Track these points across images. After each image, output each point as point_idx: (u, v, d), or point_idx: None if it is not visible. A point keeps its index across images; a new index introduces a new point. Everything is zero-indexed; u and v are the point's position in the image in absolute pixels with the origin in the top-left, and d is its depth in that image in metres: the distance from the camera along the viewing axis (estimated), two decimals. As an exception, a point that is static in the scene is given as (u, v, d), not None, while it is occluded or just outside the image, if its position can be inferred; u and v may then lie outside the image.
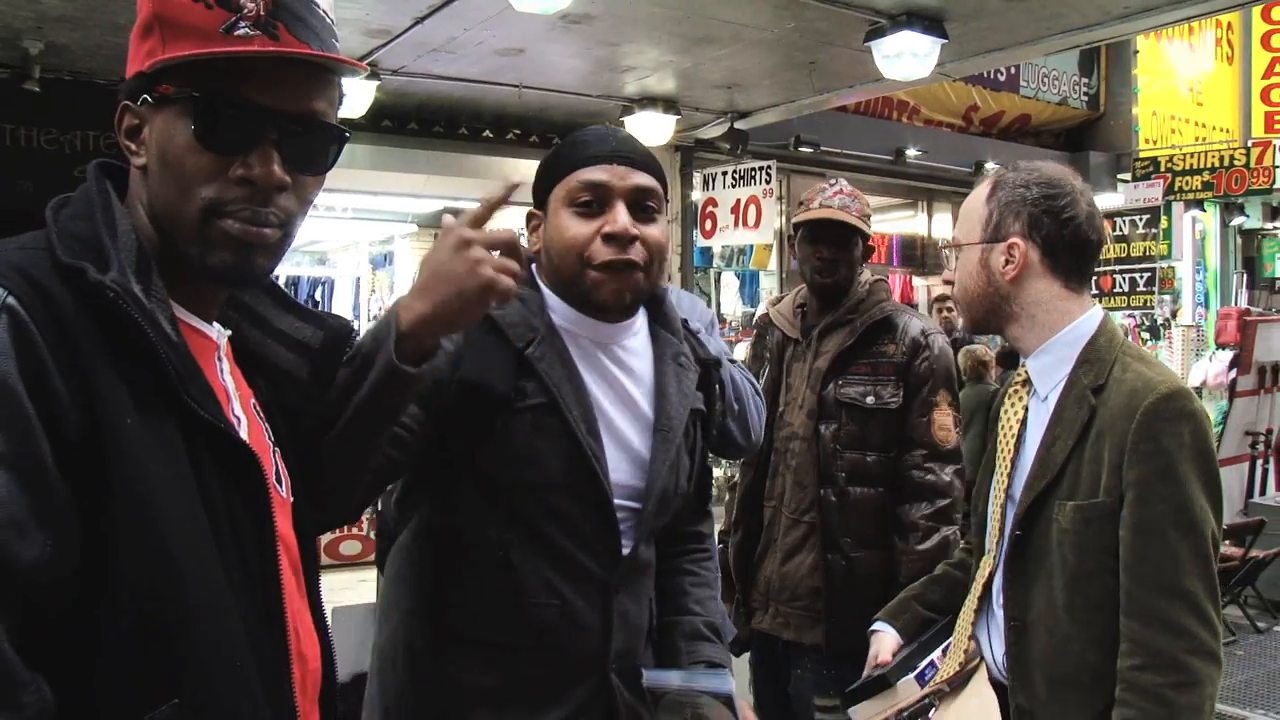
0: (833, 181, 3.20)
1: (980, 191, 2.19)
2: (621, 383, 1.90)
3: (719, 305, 12.85)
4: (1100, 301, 13.85)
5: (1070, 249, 2.10)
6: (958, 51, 7.68)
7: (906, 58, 7.33)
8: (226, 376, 1.26)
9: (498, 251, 1.48)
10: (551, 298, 1.88)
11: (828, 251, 3.05)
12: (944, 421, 3.00)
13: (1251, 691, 6.17)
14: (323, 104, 1.28)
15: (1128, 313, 15.17)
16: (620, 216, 1.81)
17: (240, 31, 1.18)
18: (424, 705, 1.83)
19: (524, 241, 1.88)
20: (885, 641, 2.38)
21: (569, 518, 1.79)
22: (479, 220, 1.50)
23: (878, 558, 2.99)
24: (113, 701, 1.04)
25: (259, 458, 1.22)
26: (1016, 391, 2.20)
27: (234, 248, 1.20)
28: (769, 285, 12.85)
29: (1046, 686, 2.00)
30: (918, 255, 14.84)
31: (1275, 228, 18.73)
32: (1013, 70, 14.08)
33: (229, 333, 1.29)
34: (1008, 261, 2.09)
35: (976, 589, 2.17)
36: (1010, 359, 12.27)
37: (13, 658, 0.97)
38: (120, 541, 1.05)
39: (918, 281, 14.90)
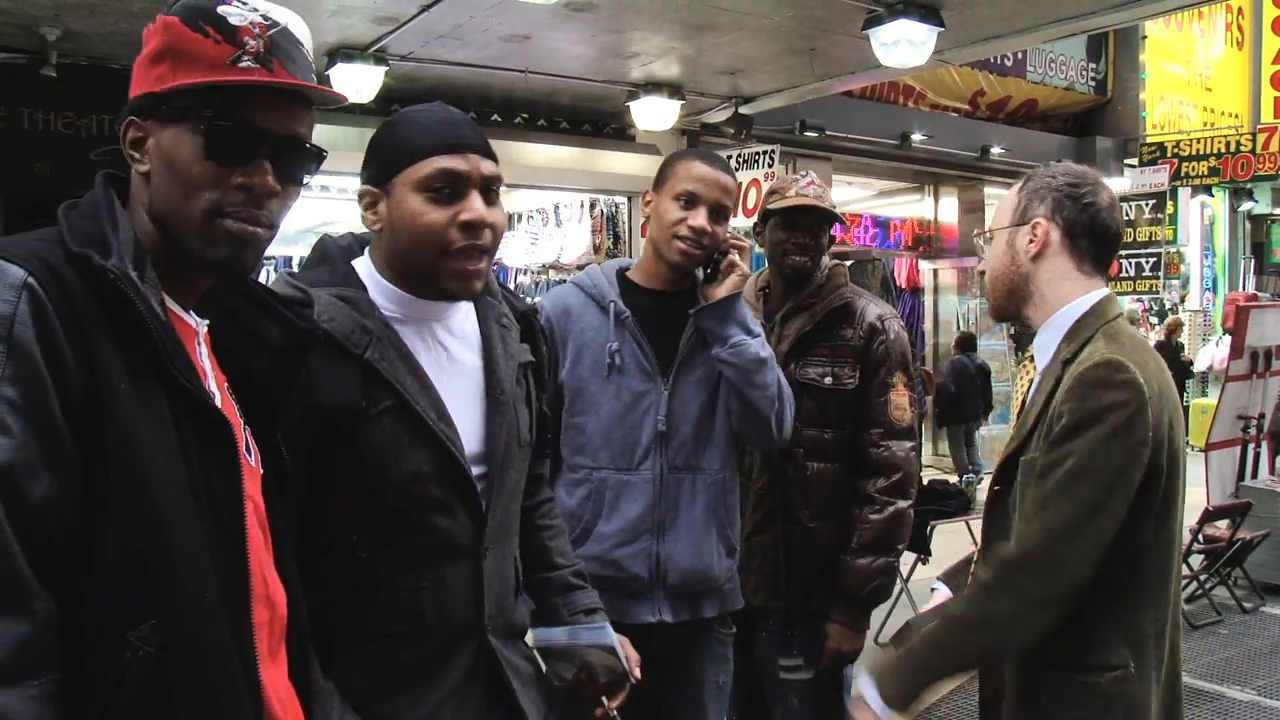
0: (804, 174, 3.35)
1: (1014, 188, 2.37)
2: (453, 356, 1.96)
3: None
4: (1106, 285, 13.92)
5: (1089, 232, 2.25)
6: (955, 39, 7.78)
7: (903, 45, 7.44)
8: (204, 359, 1.45)
9: None
10: (383, 286, 1.90)
11: (803, 237, 3.22)
12: (899, 401, 3.17)
13: (1231, 669, 6.34)
14: (305, 129, 1.48)
15: (1134, 297, 15.29)
16: (477, 205, 1.84)
17: (244, 64, 1.39)
18: None
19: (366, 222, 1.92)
20: (937, 598, 2.62)
21: (437, 500, 1.85)
22: None
23: (833, 528, 3.16)
24: (100, 620, 1.24)
25: (230, 423, 1.41)
26: (1024, 366, 2.43)
27: (230, 243, 1.41)
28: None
29: None
30: (925, 239, 14.92)
31: (1284, 213, 18.76)
32: (1019, 55, 14.12)
33: (207, 322, 1.48)
34: (1030, 240, 2.26)
35: None
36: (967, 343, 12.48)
37: (28, 573, 1.17)
38: (112, 488, 1.25)
39: (924, 265, 15.00)
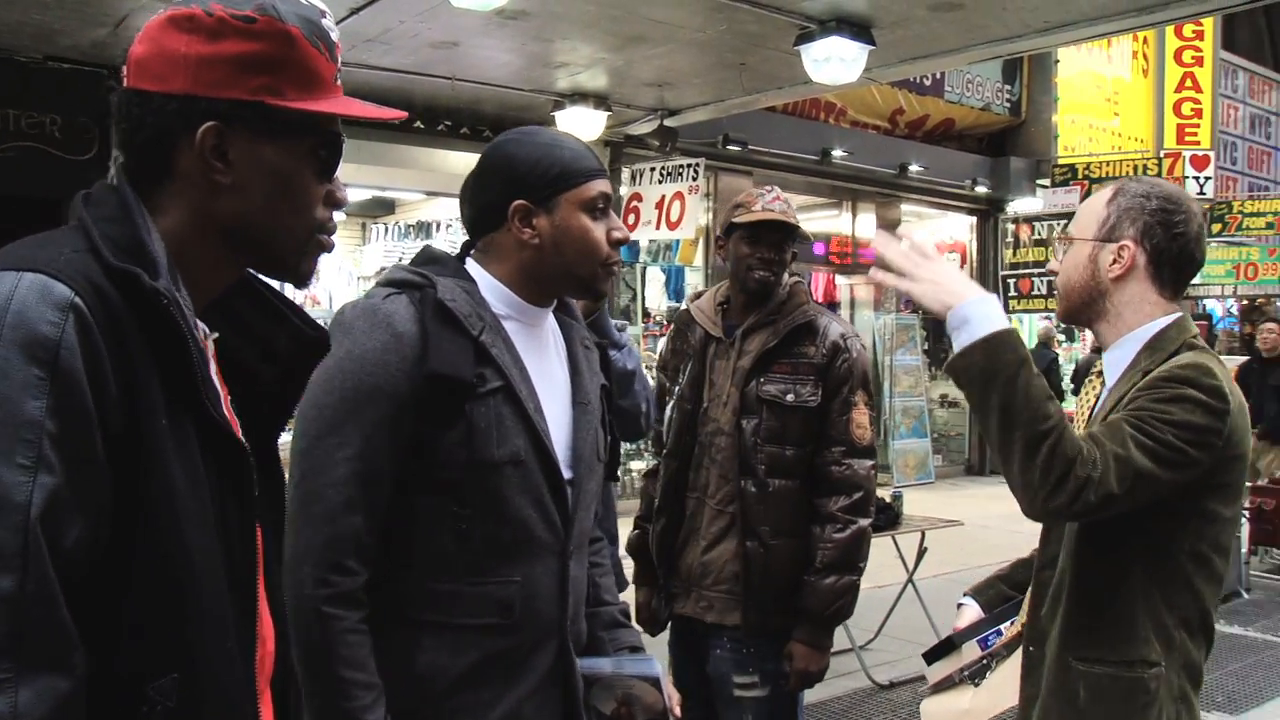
0: (769, 188, 3.31)
1: (1102, 195, 2.31)
2: (546, 360, 2.06)
3: (644, 300, 12.95)
4: (1019, 303, 14.20)
5: (1174, 262, 2.23)
6: (884, 58, 7.87)
7: (835, 62, 7.50)
8: (214, 377, 1.33)
9: None
10: (494, 287, 2.01)
11: (768, 252, 3.19)
12: (861, 420, 3.15)
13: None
14: None
15: (1044, 314, 15.61)
16: (622, 224, 2.08)
17: (338, 81, 1.34)
18: (399, 695, 1.87)
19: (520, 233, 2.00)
20: (966, 613, 2.58)
21: (530, 489, 1.92)
22: None
23: (793, 545, 3.13)
24: (121, 669, 1.14)
25: (251, 458, 1.31)
26: (1091, 382, 2.39)
27: (318, 255, 1.38)
28: (694, 280, 13.00)
29: (1060, 621, 2.19)
30: (842, 254, 15.08)
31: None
32: (938, 75, 14.37)
33: (216, 334, 1.37)
34: (1115, 261, 2.22)
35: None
36: None
37: (71, 624, 1.07)
38: (145, 533, 1.15)
39: (840, 280, 15.16)
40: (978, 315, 2.04)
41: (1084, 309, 2.30)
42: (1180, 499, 2.07)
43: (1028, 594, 2.39)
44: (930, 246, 2.14)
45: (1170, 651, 2.11)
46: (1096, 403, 2.33)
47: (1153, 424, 2.01)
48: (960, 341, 2.04)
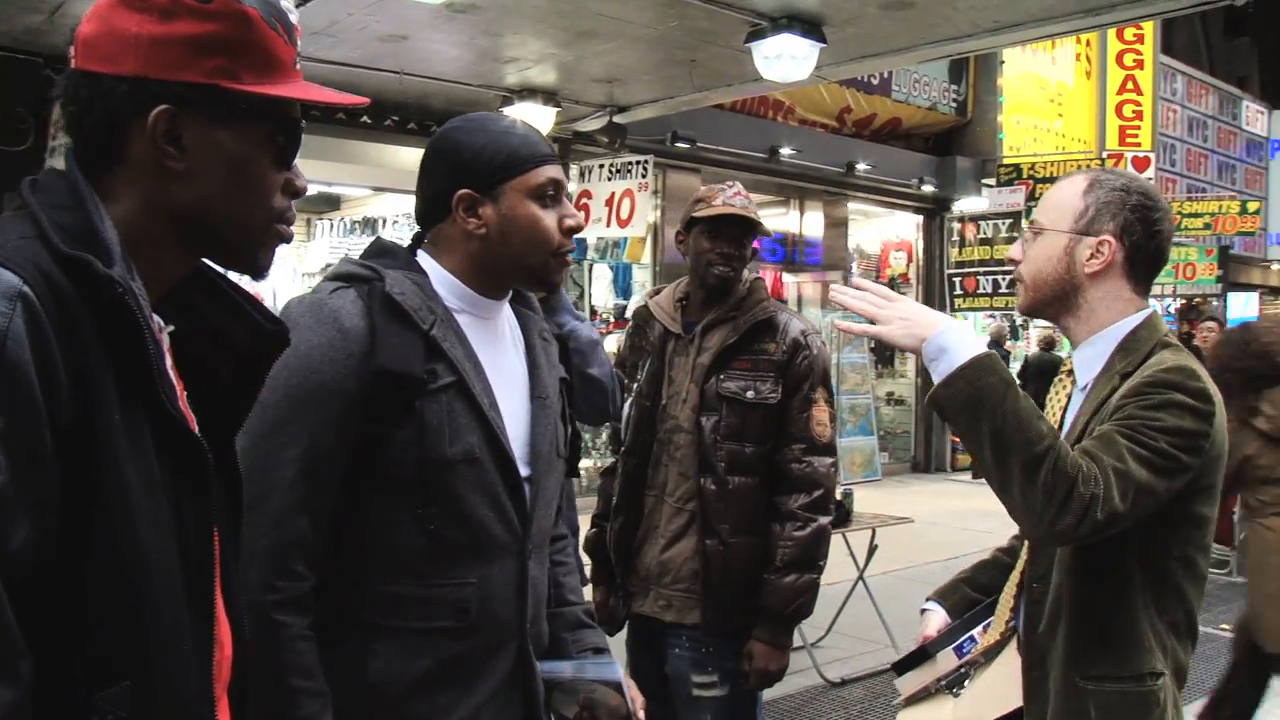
0: (730, 183, 3.28)
1: (1074, 184, 2.23)
2: (503, 354, 2.00)
3: (590, 297, 12.91)
4: (964, 302, 14.31)
5: (1149, 260, 2.19)
6: (835, 56, 7.88)
7: (785, 60, 7.49)
8: (169, 372, 1.27)
9: None
10: (446, 279, 1.94)
11: (728, 247, 3.16)
12: (821, 417, 3.13)
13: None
14: None
15: (989, 313, 15.76)
16: (574, 210, 2.00)
17: (298, 66, 1.30)
18: (352, 702, 1.81)
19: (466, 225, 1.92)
20: (932, 619, 2.50)
21: (486, 488, 1.85)
22: None
23: (753, 543, 3.11)
24: (68, 677, 1.08)
25: (209, 455, 1.25)
26: (1061, 381, 2.32)
27: (277, 245, 1.33)
28: (642, 278, 12.97)
29: (1062, 640, 2.12)
30: (789, 252, 15.13)
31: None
32: (886, 75, 14.46)
33: (171, 328, 1.31)
34: (1093, 256, 2.15)
35: (1019, 567, 2.30)
36: None
37: (15, 630, 1.00)
38: (97, 534, 1.09)
39: (788, 278, 15.20)
40: (953, 343, 1.98)
41: (1054, 302, 2.24)
42: (1171, 505, 2.02)
43: (1001, 603, 2.34)
44: (884, 288, 2.11)
45: (1164, 657, 2.08)
46: (1069, 402, 2.28)
47: (1146, 433, 1.96)
48: (940, 372, 1.99)
